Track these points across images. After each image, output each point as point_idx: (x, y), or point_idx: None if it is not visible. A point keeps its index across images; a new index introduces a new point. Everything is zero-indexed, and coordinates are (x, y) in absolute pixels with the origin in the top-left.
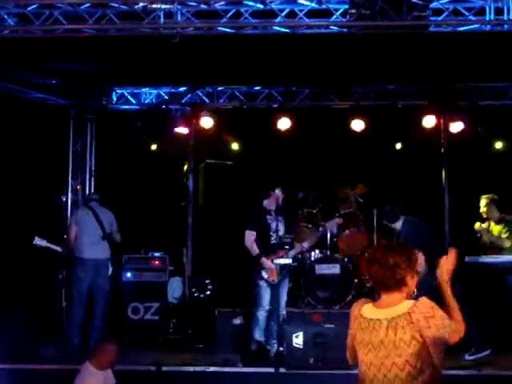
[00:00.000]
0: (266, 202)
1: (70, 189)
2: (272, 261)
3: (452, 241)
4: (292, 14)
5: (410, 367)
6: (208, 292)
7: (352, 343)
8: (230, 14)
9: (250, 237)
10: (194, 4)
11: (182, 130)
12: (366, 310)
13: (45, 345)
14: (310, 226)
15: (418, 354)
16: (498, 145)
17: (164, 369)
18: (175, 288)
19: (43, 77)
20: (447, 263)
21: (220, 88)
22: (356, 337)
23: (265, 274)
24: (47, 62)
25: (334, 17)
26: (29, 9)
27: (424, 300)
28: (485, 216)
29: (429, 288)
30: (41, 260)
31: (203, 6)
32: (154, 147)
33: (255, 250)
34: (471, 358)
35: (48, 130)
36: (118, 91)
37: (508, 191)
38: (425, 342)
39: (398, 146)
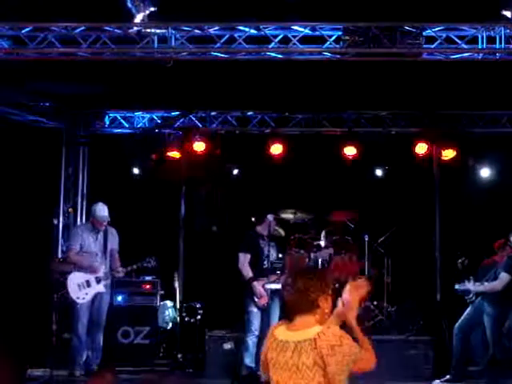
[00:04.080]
0: (259, 228)
1: (61, 212)
2: (263, 285)
3: (443, 267)
4: (286, 40)
5: None
6: (199, 316)
7: (264, 360)
8: (223, 40)
9: (244, 259)
10: (188, 29)
11: (174, 154)
12: (278, 330)
13: (35, 368)
14: (301, 251)
15: (319, 380)
16: (485, 172)
17: None
18: (166, 312)
19: (36, 99)
20: (360, 290)
21: (213, 113)
22: (267, 355)
23: (256, 298)
24: (40, 84)
25: (328, 43)
26: (23, 31)
27: (333, 328)
28: None
29: None
30: (34, 283)
31: (197, 31)
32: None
33: (248, 272)
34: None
35: (40, 153)
36: (110, 115)
37: (499, 218)
38: (326, 369)
39: (390, 172)
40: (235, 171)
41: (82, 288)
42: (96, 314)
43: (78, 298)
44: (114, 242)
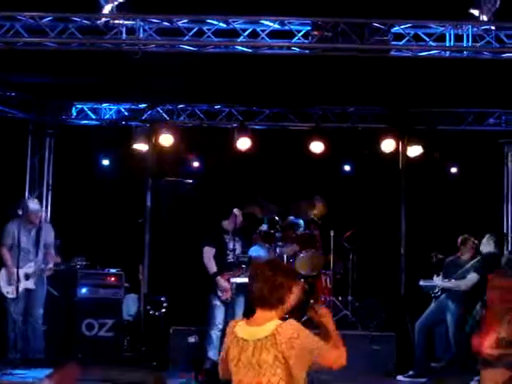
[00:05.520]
0: (224, 222)
1: None
2: (228, 279)
3: (407, 264)
4: (254, 34)
5: None
6: (163, 310)
7: (225, 357)
8: (192, 32)
9: (209, 253)
10: (157, 21)
11: (142, 146)
12: (238, 327)
13: None
14: (267, 245)
15: (281, 376)
16: (451, 169)
17: None
18: (130, 305)
19: (2, 89)
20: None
21: (180, 105)
22: (229, 352)
23: (219, 292)
24: (7, 74)
25: (296, 38)
26: None
27: (290, 322)
28: None
29: None
30: None
31: (166, 23)
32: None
33: (212, 267)
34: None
35: (6, 144)
36: (77, 106)
37: (463, 215)
38: (287, 363)
39: (357, 168)
40: (202, 165)
41: (12, 283)
42: (30, 308)
43: (7, 292)
44: (48, 236)
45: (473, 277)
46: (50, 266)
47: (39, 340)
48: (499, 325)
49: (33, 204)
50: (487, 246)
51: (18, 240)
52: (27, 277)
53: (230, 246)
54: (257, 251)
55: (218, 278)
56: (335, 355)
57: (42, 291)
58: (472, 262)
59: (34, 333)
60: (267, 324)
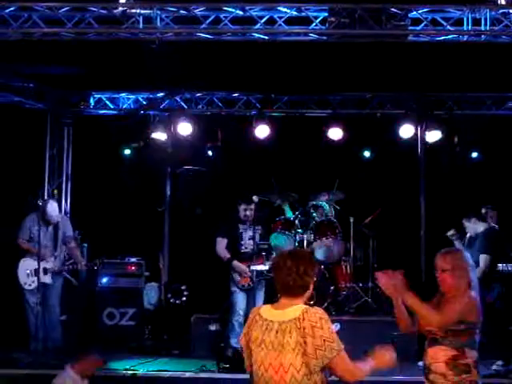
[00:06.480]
0: (240, 210)
1: (46, 193)
2: (249, 267)
3: (427, 250)
4: (271, 21)
5: (295, 370)
6: (184, 298)
7: (248, 338)
8: (209, 20)
9: (221, 244)
10: (174, 9)
11: (160, 135)
12: (263, 309)
13: (17, 350)
14: (287, 232)
15: (302, 360)
16: (469, 154)
17: (139, 374)
18: (151, 294)
19: (20, 80)
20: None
21: (198, 94)
22: (252, 333)
23: (236, 278)
24: (24, 65)
25: (313, 24)
26: (6, 11)
27: (317, 310)
28: None
29: None
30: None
31: (183, 12)
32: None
33: (226, 255)
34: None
35: (25, 134)
36: (95, 96)
37: (483, 200)
38: (305, 350)
39: (375, 154)
40: (221, 153)
41: (30, 276)
42: (46, 299)
43: (25, 283)
44: (66, 229)
45: (484, 258)
46: (82, 259)
47: (56, 330)
48: (454, 302)
49: (51, 208)
50: (476, 227)
51: (38, 235)
52: (45, 271)
53: (249, 234)
54: (277, 239)
55: (235, 262)
56: (353, 368)
57: (58, 284)
58: (477, 245)
59: (50, 323)
60: (293, 307)
